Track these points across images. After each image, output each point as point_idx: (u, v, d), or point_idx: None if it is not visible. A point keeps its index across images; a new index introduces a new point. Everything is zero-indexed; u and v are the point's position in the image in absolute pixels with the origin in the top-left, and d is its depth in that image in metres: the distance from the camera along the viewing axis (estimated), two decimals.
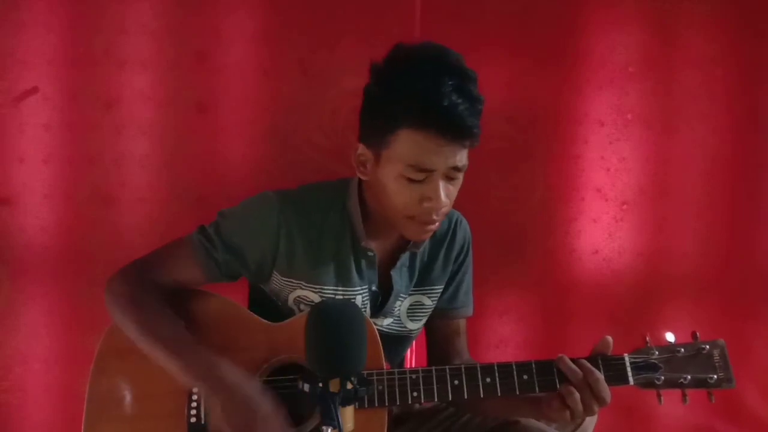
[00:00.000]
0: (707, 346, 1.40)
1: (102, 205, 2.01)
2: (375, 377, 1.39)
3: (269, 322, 1.48)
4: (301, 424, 1.41)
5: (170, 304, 1.45)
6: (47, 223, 2.00)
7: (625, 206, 2.19)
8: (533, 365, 1.39)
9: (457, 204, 1.47)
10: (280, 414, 1.34)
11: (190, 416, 1.43)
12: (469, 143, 1.37)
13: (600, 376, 1.35)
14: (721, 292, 2.21)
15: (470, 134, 1.35)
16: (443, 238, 1.60)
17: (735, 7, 2.14)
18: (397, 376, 1.40)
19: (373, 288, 1.54)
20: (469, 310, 1.66)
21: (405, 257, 1.55)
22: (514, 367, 1.40)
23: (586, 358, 1.39)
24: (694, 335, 1.42)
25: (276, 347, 1.46)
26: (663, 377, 1.39)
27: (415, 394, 1.40)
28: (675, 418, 2.22)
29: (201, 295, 1.51)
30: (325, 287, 1.49)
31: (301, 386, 1.06)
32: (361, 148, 1.43)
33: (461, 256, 1.62)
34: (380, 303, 1.55)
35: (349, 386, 1.05)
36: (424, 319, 1.61)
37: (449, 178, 1.39)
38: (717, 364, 1.39)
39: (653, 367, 1.39)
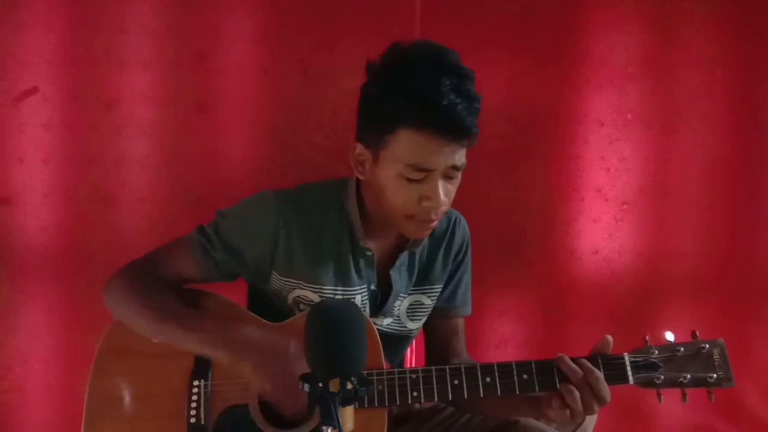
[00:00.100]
0: (707, 346, 1.40)
1: (102, 205, 2.01)
2: (375, 377, 1.39)
3: (269, 323, 1.48)
4: (301, 424, 1.41)
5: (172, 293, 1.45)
6: (47, 223, 2.00)
7: (625, 206, 2.19)
8: (533, 365, 1.39)
9: (457, 204, 1.47)
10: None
11: (190, 416, 1.42)
12: (467, 142, 1.37)
13: (600, 375, 1.35)
14: (721, 292, 2.21)
15: (469, 133, 1.35)
16: (442, 238, 1.60)
17: (735, 7, 2.14)
18: (397, 376, 1.40)
19: (372, 287, 1.54)
20: (468, 310, 1.66)
21: (404, 257, 1.55)
22: (514, 366, 1.40)
23: (586, 358, 1.39)
24: (693, 334, 1.42)
25: None
26: (663, 376, 1.39)
27: (415, 393, 1.40)
28: (675, 418, 2.22)
29: (201, 295, 1.51)
30: (325, 287, 1.49)
31: (301, 386, 1.06)
32: (359, 148, 1.43)
33: (460, 256, 1.62)
34: (380, 303, 1.55)
35: (349, 386, 1.05)
36: (424, 319, 1.61)
37: (448, 177, 1.39)
38: (717, 363, 1.40)
39: (653, 367, 1.39)
